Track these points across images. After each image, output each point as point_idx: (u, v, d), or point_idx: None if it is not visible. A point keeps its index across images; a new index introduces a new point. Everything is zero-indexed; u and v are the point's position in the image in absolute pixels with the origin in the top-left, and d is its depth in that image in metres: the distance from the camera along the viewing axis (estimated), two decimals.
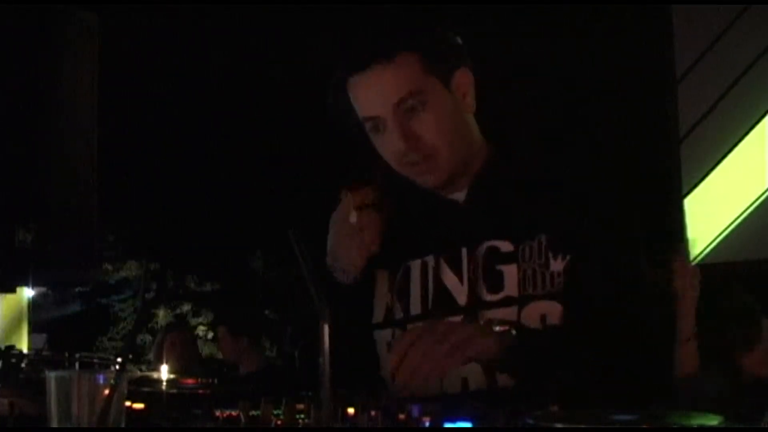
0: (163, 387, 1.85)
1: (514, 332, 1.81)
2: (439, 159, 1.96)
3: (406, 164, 1.98)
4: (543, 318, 1.92)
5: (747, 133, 4.30)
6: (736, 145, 4.34)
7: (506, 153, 2.05)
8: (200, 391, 1.78)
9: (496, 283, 1.96)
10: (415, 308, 2.04)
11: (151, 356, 5.23)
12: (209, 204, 4.86)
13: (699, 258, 4.50)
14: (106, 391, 1.42)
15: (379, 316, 2.09)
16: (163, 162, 4.77)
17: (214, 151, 4.85)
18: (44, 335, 4.12)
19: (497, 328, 1.81)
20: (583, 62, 4.49)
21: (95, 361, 2.09)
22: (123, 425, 1.45)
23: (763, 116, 4.28)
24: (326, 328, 1.33)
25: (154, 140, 4.81)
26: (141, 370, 2.01)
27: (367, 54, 1.94)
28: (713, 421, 1.41)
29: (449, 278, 2.00)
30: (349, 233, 2.02)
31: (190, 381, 1.88)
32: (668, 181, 4.52)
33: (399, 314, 2.06)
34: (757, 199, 4.23)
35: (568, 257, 1.92)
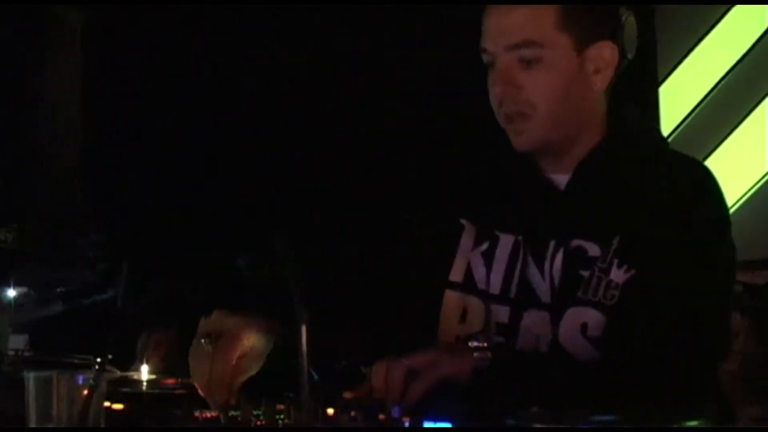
0: (143, 387, 1.85)
1: (489, 355, 1.67)
2: (535, 121, 1.78)
3: (502, 115, 1.81)
4: (584, 327, 1.75)
5: (727, 136, 4.32)
6: (716, 148, 4.36)
7: (619, 141, 1.85)
8: (180, 392, 1.77)
9: (572, 287, 1.77)
10: (495, 288, 1.86)
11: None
12: (194, 204, 4.85)
13: None
14: (86, 392, 1.41)
15: (457, 274, 1.90)
16: (147, 162, 4.76)
17: (200, 151, 4.83)
18: (25, 336, 4.09)
19: (474, 344, 1.70)
20: None
21: (75, 361, 2.08)
22: (102, 425, 1.44)
23: (747, 115, 4.30)
24: (304, 329, 1.32)
25: (138, 140, 4.79)
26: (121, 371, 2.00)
27: None
28: (692, 421, 1.41)
29: (532, 270, 1.82)
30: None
31: (170, 381, 1.87)
32: None
33: (481, 283, 1.87)
34: (736, 203, 4.24)
35: (633, 270, 1.73)
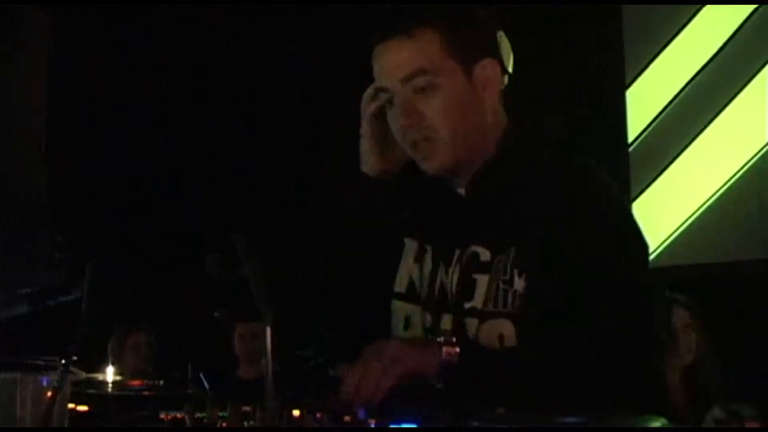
0: (109, 389, 1.83)
1: (456, 349, 1.74)
2: (440, 144, 1.88)
3: (408, 143, 1.90)
4: (501, 338, 1.83)
5: (696, 137, 4.36)
6: (685, 148, 4.39)
7: (512, 155, 1.93)
8: (146, 393, 1.76)
9: (467, 290, 1.88)
10: (423, 295, 1.97)
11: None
12: (160, 205, 4.83)
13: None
14: (50, 394, 1.40)
15: (401, 286, 2.00)
16: (114, 162, 4.73)
17: (166, 152, 4.81)
18: None
19: (439, 340, 1.76)
20: (525, 67, 4.52)
21: (40, 363, 2.06)
22: (66, 426, 1.44)
23: (711, 120, 4.33)
24: (269, 331, 1.33)
25: (105, 139, 4.76)
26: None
27: (388, 26, 1.89)
28: (656, 422, 1.43)
29: (442, 274, 1.93)
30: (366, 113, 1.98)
31: (136, 383, 1.86)
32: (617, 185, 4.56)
33: (423, 292, 1.97)
34: (703, 204, 4.28)
35: (528, 277, 1.81)
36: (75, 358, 1.49)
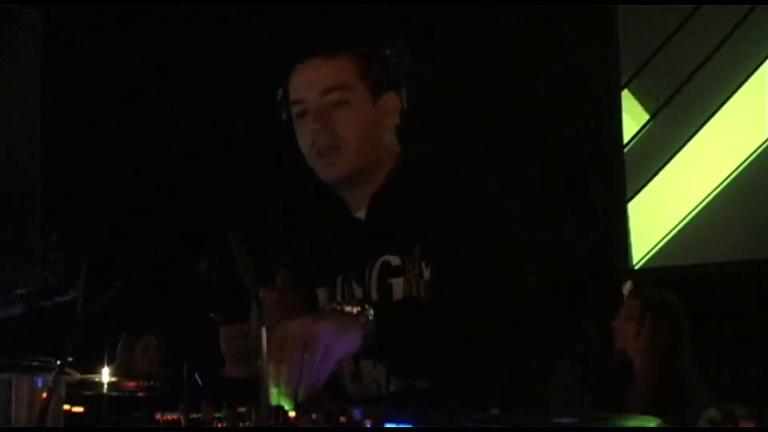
0: (104, 390, 1.84)
1: (370, 315, 1.78)
2: (344, 153, 2.08)
3: (314, 154, 2.09)
4: None
5: (691, 137, 4.37)
6: (680, 149, 4.40)
7: (407, 169, 2.14)
8: (140, 394, 1.76)
9: (385, 295, 2.05)
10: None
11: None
12: (154, 204, 4.83)
13: (642, 262, 4.55)
14: (45, 394, 1.40)
15: None
16: (108, 162, 4.73)
17: (160, 151, 4.81)
18: None
19: (349, 309, 1.79)
20: (520, 68, 4.52)
21: (35, 364, 2.06)
22: (61, 427, 1.44)
23: (706, 121, 4.34)
24: (263, 331, 1.33)
25: (99, 140, 4.76)
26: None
27: (312, 47, 2.11)
28: (651, 423, 1.43)
29: (357, 293, 2.10)
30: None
31: (131, 384, 1.87)
32: (611, 188, 4.57)
33: None
34: (698, 205, 4.29)
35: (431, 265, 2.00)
36: (70, 359, 1.49)
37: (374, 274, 2.08)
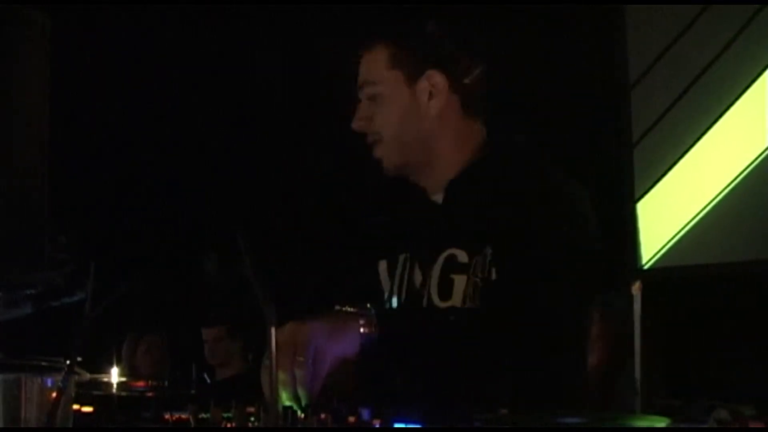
0: (113, 390, 1.84)
1: (374, 327, 1.76)
2: (384, 146, 2.07)
3: (370, 142, 2.09)
4: None
5: (701, 137, 4.35)
6: (690, 148, 4.38)
7: (488, 163, 2.07)
8: (149, 395, 1.77)
9: (446, 290, 1.99)
10: (395, 302, 2.10)
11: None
12: (162, 205, 4.84)
13: (651, 262, 4.54)
14: (54, 394, 1.41)
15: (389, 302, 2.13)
16: (116, 163, 4.74)
17: (168, 152, 4.82)
18: None
19: (349, 310, 1.78)
20: (525, 67, 4.52)
21: (44, 364, 2.07)
22: (70, 427, 1.44)
23: (716, 120, 4.33)
24: (273, 331, 1.33)
25: (106, 141, 4.77)
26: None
27: (359, 40, 2.11)
28: (660, 423, 1.43)
29: (418, 279, 2.05)
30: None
31: (139, 384, 1.87)
32: (620, 186, 4.56)
33: (389, 302, 2.11)
34: (708, 204, 4.28)
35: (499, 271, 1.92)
36: (79, 359, 1.49)
37: (438, 263, 2.02)
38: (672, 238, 4.42)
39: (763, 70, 4.18)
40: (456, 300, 1.97)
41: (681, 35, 4.43)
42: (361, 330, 1.75)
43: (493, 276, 1.93)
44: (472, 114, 2.10)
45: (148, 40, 4.67)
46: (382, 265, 2.14)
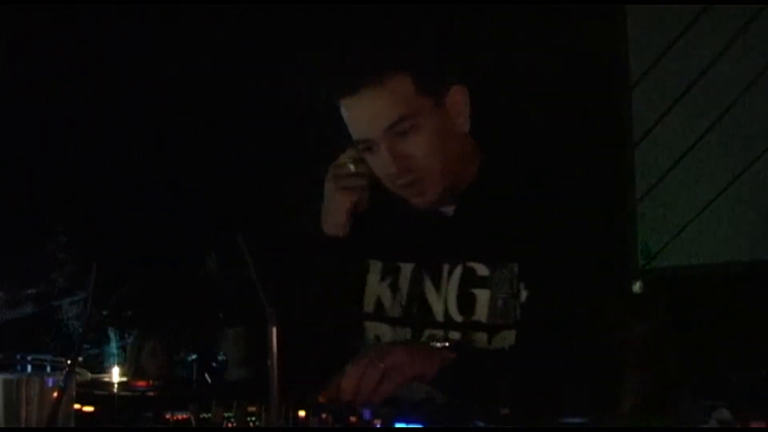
0: (114, 390, 1.84)
1: (453, 352, 1.78)
2: (431, 180, 1.93)
3: (399, 186, 1.95)
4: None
5: (701, 137, 4.35)
6: (690, 148, 4.38)
7: (496, 168, 2.00)
8: (151, 394, 1.77)
9: (467, 305, 1.93)
10: (399, 311, 2.03)
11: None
12: (164, 205, 4.83)
13: (653, 262, 4.54)
14: (55, 394, 1.40)
15: (369, 306, 2.07)
16: (118, 163, 4.74)
17: (170, 152, 4.82)
18: None
19: (437, 345, 1.80)
20: (526, 67, 4.52)
21: (46, 363, 2.07)
22: (72, 427, 1.44)
23: (716, 120, 4.32)
24: (274, 331, 1.33)
25: (108, 140, 4.77)
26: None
27: (357, 77, 1.89)
28: (658, 422, 1.43)
29: (429, 291, 1.99)
30: (344, 187, 2.01)
31: (141, 383, 1.87)
32: (620, 186, 4.55)
33: (389, 310, 2.04)
34: (708, 204, 4.27)
35: (530, 288, 1.88)
36: (80, 358, 1.49)
37: (455, 276, 1.96)
38: (672, 238, 4.42)
39: (764, 70, 4.18)
40: (480, 315, 1.91)
41: (681, 35, 4.43)
42: (440, 361, 1.76)
43: (523, 293, 1.88)
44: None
45: (152, 37, 4.66)
46: (406, 269, 2.04)
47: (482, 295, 1.91)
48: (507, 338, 1.89)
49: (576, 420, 1.39)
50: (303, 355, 1.93)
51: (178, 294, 4.63)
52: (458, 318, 1.94)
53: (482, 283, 1.92)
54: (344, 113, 1.94)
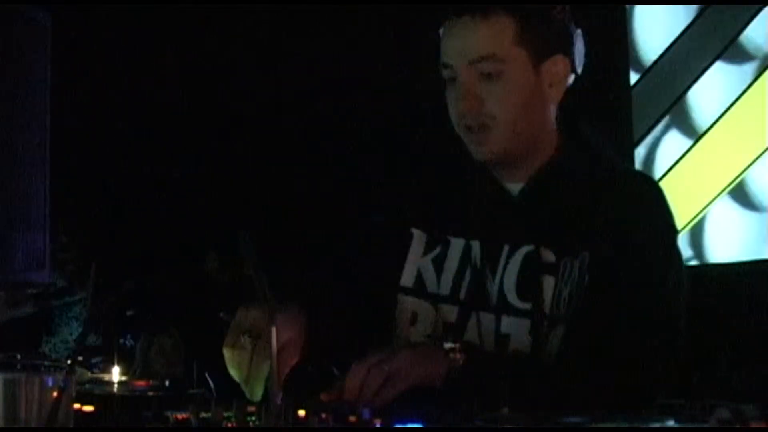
0: (114, 389, 1.84)
1: (462, 358, 1.73)
2: (496, 132, 1.84)
3: (463, 127, 1.87)
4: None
5: (701, 136, 4.35)
6: (690, 148, 4.38)
7: (573, 154, 1.93)
8: (151, 393, 1.77)
9: (527, 291, 1.85)
10: (445, 289, 1.93)
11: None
12: (163, 204, 4.84)
13: None
14: (55, 394, 1.40)
15: (408, 280, 1.98)
16: (117, 163, 4.74)
17: (168, 152, 4.82)
18: None
19: (447, 346, 1.74)
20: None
21: (45, 363, 2.07)
22: (71, 427, 1.44)
23: (716, 120, 4.33)
24: (273, 331, 1.33)
25: (108, 140, 4.77)
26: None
27: (465, 2, 1.84)
28: (661, 422, 1.42)
29: (484, 273, 1.89)
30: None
31: (141, 383, 1.87)
32: None
33: (431, 287, 1.95)
34: (708, 204, 4.28)
35: (593, 280, 1.80)
36: (80, 357, 1.49)
37: (516, 259, 1.86)
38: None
39: (763, 71, 4.18)
40: (544, 303, 1.82)
41: (681, 35, 4.43)
42: (448, 365, 1.73)
43: (586, 282, 1.81)
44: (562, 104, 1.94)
45: (154, 37, 4.66)
46: (457, 245, 1.93)
47: (547, 282, 1.83)
48: (557, 335, 1.81)
49: (576, 420, 1.38)
50: (330, 327, 1.91)
51: (186, 293, 4.63)
52: (517, 303, 1.85)
53: (548, 269, 1.83)
54: (442, 35, 1.87)
